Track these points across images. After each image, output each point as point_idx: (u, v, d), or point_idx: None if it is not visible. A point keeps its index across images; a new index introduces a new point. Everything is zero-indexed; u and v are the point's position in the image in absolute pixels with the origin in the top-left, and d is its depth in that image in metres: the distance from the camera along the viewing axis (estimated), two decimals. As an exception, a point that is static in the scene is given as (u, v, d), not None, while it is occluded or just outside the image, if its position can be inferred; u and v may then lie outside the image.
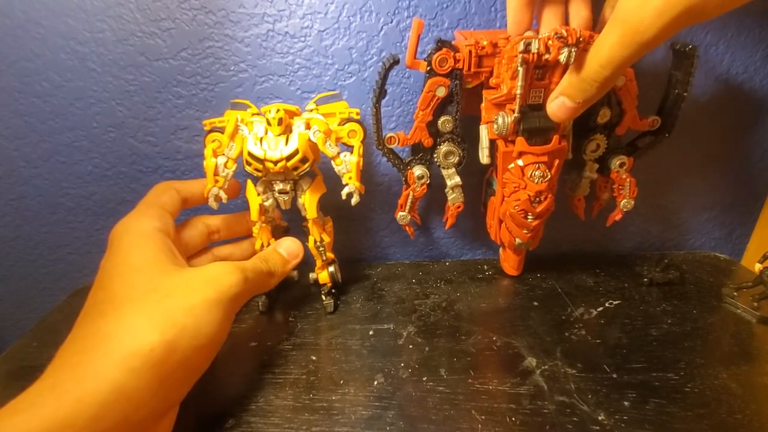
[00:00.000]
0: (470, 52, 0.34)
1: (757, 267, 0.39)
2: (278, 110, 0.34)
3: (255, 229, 0.39)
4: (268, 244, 0.39)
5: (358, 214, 0.48)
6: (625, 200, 0.42)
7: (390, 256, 0.51)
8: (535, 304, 0.41)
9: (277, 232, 0.41)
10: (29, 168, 0.45)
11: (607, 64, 0.26)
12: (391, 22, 0.40)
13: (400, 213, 0.41)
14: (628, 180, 0.41)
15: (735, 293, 0.40)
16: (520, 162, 0.36)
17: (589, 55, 0.27)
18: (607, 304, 0.41)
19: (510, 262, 0.45)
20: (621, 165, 0.40)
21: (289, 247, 0.37)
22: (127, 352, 0.24)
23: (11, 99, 0.42)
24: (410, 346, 0.36)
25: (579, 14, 0.32)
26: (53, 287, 0.51)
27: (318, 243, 0.40)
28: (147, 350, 0.24)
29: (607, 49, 0.26)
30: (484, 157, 0.38)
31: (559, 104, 0.31)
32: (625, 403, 0.30)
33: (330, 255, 0.41)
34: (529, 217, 0.38)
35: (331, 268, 0.41)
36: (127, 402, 0.23)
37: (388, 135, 0.38)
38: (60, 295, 0.50)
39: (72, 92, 0.42)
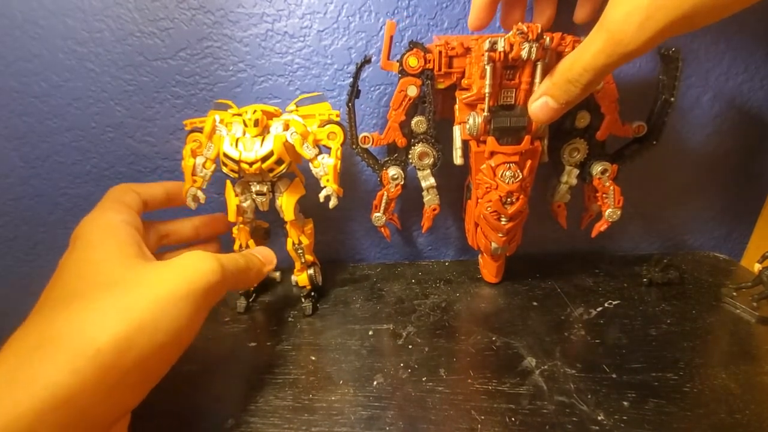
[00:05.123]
0: (440, 52, 0.34)
1: (757, 267, 0.39)
2: (255, 111, 0.34)
3: (234, 230, 0.39)
4: (247, 246, 0.39)
5: (357, 214, 0.48)
6: (610, 210, 0.40)
7: (389, 256, 0.51)
8: (535, 304, 0.41)
9: (258, 233, 0.41)
10: (27, 168, 0.45)
11: (590, 68, 0.27)
12: (391, 21, 0.40)
13: (375, 214, 0.41)
14: (611, 188, 0.40)
15: (734, 293, 0.40)
16: (491, 162, 0.36)
17: (573, 57, 0.28)
18: (606, 304, 0.41)
19: (489, 269, 0.44)
20: (603, 172, 0.39)
21: (262, 252, 0.36)
22: (72, 353, 0.21)
23: (9, 99, 0.42)
24: (410, 346, 0.36)
25: (543, 13, 0.35)
26: (52, 287, 0.51)
27: (296, 245, 0.39)
28: (93, 350, 0.21)
29: (590, 55, 0.26)
30: (457, 158, 0.38)
31: (541, 104, 0.31)
32: (625, 403, 0.30)
33: (309, 257, 0.40)
34: (502, 219, 0.37)
35: (311, 271, 0.41)
36: (69, 408, 0.20)
37: (363, 135, 0.38)
38: (59, 295, 0.50)
39: (70, 92, 0.42)
